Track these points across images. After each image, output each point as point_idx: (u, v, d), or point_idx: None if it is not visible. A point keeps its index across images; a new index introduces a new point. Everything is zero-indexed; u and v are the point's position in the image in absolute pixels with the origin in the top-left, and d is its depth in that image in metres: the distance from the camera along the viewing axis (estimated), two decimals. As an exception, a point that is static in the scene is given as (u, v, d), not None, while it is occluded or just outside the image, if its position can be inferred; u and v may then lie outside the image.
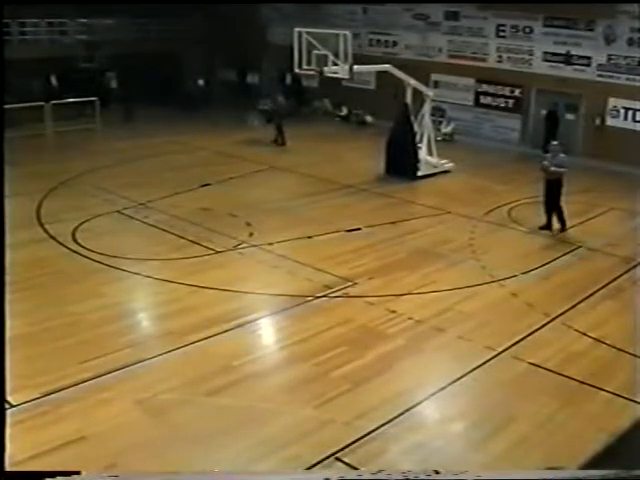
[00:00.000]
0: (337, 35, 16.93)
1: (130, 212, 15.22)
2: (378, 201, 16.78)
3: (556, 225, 14.81)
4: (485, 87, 23.39)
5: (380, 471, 6.26)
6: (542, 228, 14.79)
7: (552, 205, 14.63)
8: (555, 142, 15.18)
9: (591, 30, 20.64)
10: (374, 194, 17.31)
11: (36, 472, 3.50)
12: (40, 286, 11.42)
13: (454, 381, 9.08)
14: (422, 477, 3.51)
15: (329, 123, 26.04)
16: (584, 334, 10.39)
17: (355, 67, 17.10)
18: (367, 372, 9.21)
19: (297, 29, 17.32)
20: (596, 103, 20.72)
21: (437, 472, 3.61)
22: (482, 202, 16.61)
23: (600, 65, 20.61)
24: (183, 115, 25.07)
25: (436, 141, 19.80)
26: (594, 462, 6.88)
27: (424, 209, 16.27)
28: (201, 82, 28.06)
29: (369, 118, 25.62)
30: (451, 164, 19.57)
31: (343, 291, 11.69)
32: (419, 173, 18.70)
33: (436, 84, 23.70)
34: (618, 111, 20.51)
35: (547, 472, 5.76)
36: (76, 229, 13.97)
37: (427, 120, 19.06)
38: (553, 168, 14.41)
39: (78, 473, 3.51)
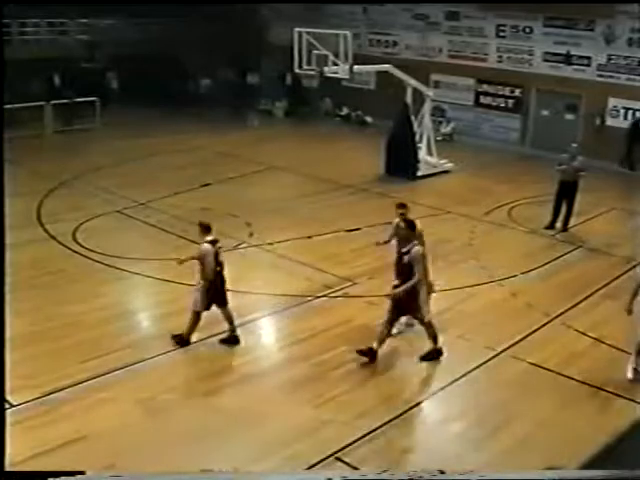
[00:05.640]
0: (337, 35, 16.90)
1: (130, 212, 15.21)
2: (378, 201, 16.74)
3: (557, 224, 14.83)
4: (485, 87, 23.36)
5: (384, 471, 6.27)
6: (547, 228, 14.83)
7: (567, 205, 14.64)
8: (575, 144, 15.15)
9: (591, 30, 20.63)
10: (374, 194, 17.29)
11: (39, 472, 3.50)
12: (40, 286, 11.42)
13: (454, 381, 9.09)
14: (426, 477, 3.52)
15: (329, 123, 26.02)
16: (584, 334, 10.40)
17: (355, 67, 17.07)
18: (367, 372, 9.22)
19: (297, 29, 17.29)
20: (596, 103, 20.72)
21: (442, 472, 3.61)
22: (482, 202, 16.60)
23: (600, 65, 20.60)
24: (183, 115, 25.04)
25: (436, 141, 19.78)
26: (594, 462, 6.89)
27: (424, 209, 16.20)
28: (207, 81, 28.03)
29: (369, 118, 25.62)
30: (451, 164, 19.55)
31: (343, 291, 11.70)
32: (419, 173, 18.68)
33: (436, 84, 23.65)
34: (618, 111, 20.50)
35: (547, 472, 5.76)
36: (76, 229, 13.96)
37: (427, 120, 19.04)
38: (574, 169, 14.41)
39: (82, 473, 3.52)
